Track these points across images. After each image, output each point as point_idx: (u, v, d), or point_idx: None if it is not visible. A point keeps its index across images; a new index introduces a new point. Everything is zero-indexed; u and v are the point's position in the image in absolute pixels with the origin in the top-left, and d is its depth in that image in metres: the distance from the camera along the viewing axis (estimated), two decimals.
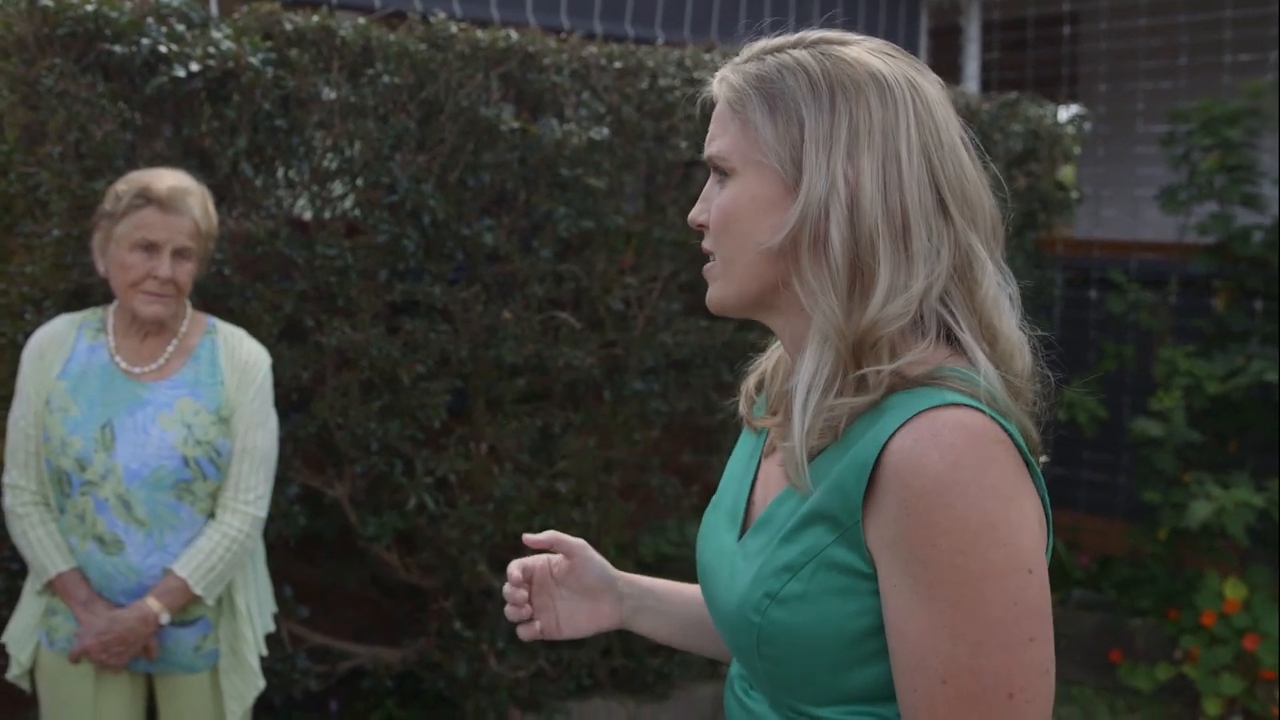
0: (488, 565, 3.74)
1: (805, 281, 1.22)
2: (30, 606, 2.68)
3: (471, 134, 3.49)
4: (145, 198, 2.57)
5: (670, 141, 3.87)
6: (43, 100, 2.97)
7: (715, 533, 1.42)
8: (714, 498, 1.47)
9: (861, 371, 1.19)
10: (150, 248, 2.57)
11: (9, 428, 2.67)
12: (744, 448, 1.47)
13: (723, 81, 1.31)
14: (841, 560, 1.18)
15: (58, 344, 2.66)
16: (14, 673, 2.70)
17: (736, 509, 1.39)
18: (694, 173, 3.98)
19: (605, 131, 3.66)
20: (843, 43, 1.28)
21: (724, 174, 1.29)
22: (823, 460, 1.21)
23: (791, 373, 1.30)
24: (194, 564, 2.58)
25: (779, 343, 1.40)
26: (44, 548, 2.61)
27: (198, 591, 2.57)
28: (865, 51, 1.26)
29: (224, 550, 2.61)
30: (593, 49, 3.76)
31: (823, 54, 1.25)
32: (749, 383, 1.46)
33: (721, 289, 1.31)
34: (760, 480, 1.38)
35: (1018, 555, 1.11)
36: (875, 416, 1.18)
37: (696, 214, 1.34)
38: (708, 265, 1.34)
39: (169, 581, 2.57)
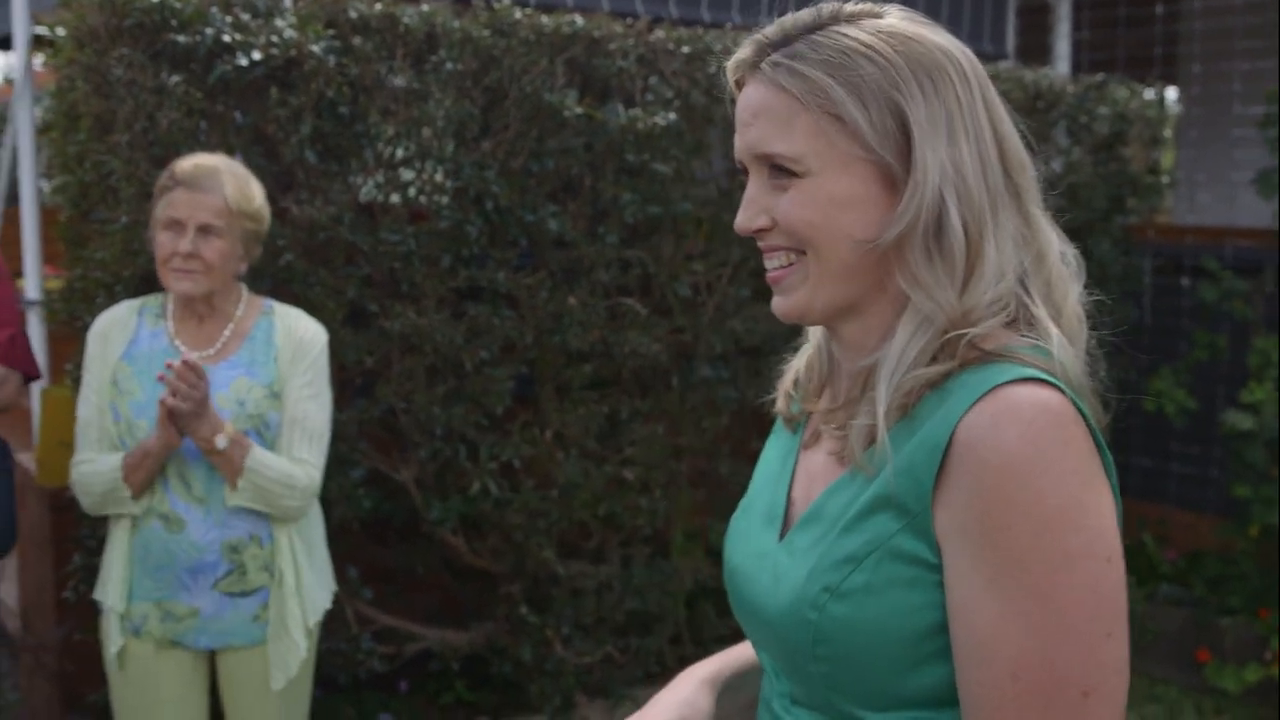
0: (553, 551, 3.75)
1: (914, 274, 1.16)
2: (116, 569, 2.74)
3: (536, 120, 3.49)
4: (173, 178, 2.64)
5: None
6: (113, 90, 3.04)
7: (748, 536, 1.34)
8: (743, 501, 1.40)
9: (943, 338, 1.15)
10: (175, 225, 2.63)
11: (79, 405, 2.74)
12: (775, 449, 1.40)
13: (777, 69, 1.19)
14: (908, 549, 1.12)
15: (120, 327, 2.75)
16: (110, 651, 2.76)
17: (774, 509, 1.32)
18: None
19: (673, 117, 3.64)
20: (879, 15, 1.22)
21: (790, 174, 1.18)
22: (888, 442, 1.15)
23: (841, 359, 1.28)
24: (261, 459, 2.61)
25: (809, 342, 1.37)
26: (103, 463, 2.66)
27: (238, 479, 2.59)
28: (919, 26, 1.20)
29: (283, 476, 2.63)
30: (660, 34, 3.73)
31: (880, 33, 1.18)
32: (785, 381, 1.40)
33: (810, 295, 1.21)
34: (800, 477, 1.32)
35: (1096, 541, 1.06)
36: (944, 395, 1.13)
37: (750, 220, 1.23)
38: (779, 272, 1.23)
39: (243, 440, 2.60)
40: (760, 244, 1.24)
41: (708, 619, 4.14)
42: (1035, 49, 5.74)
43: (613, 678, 3.97)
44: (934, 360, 1.14)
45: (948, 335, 1.14)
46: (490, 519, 3.67)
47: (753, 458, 4.20)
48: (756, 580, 1.27)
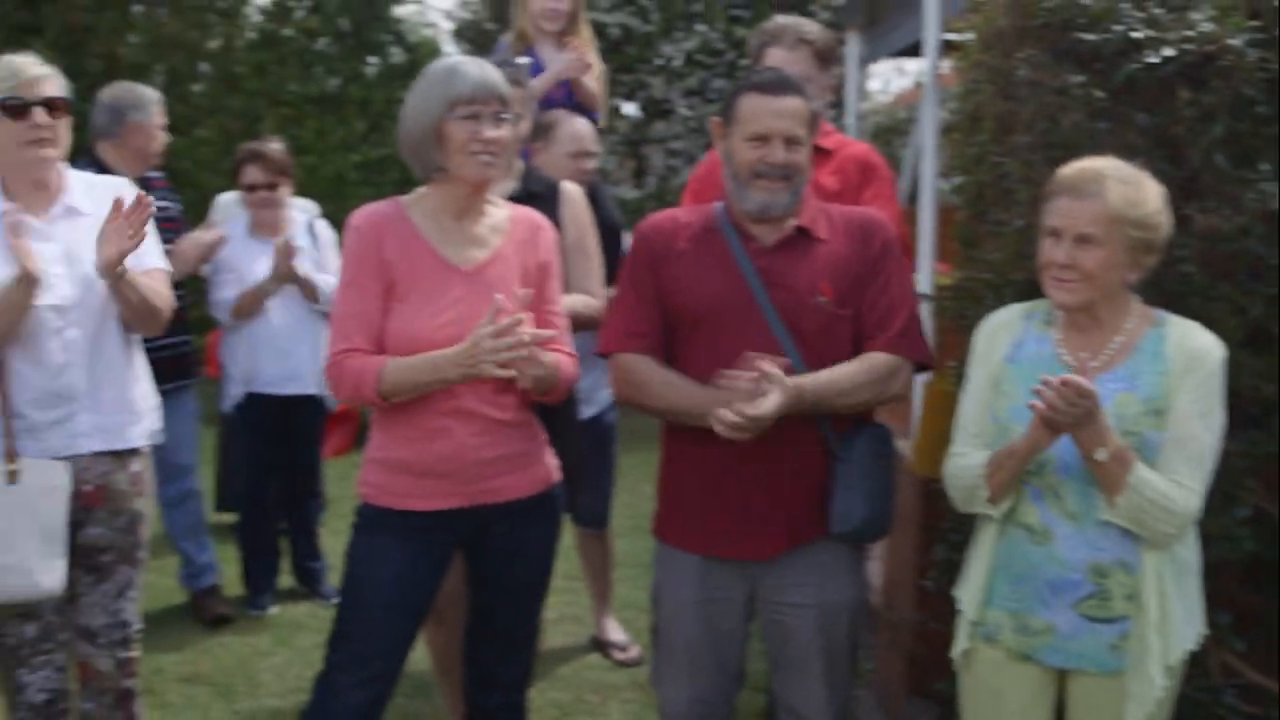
0: None
1: None
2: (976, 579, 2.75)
3: None
4: (1057, 184, 2.59)
5: None
6: (1016, 91, 3.04)
7: None
8: None
9: None
10: (1054, 233, 2.57)
11: (964, 400, 2.79)
12: None
13: None
14: None
15: (1007, 329, 2.76)
16: (957, 649, 2.80)
17: None
18: None
19: None
20: None
21: None
22: None
23: None
24: (1143, 476, 2.47)
25: None
26: (971, 459, 2.68)
27: (1117, 495, 2.47)
28: None
29: (1161, 498, 2.47)
30: None
31: None
32: None
33: None
34: None
35: None
36: None
37: None
38: None
39: (1126, 454, 2.47)
40: None
41: None
42: None
43: None
44: None
45: None
46: None
47: None
48: None
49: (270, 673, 4.72)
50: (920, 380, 3.88)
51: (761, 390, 2.67)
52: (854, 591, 3.00)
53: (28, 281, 3.00)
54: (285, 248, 5.03)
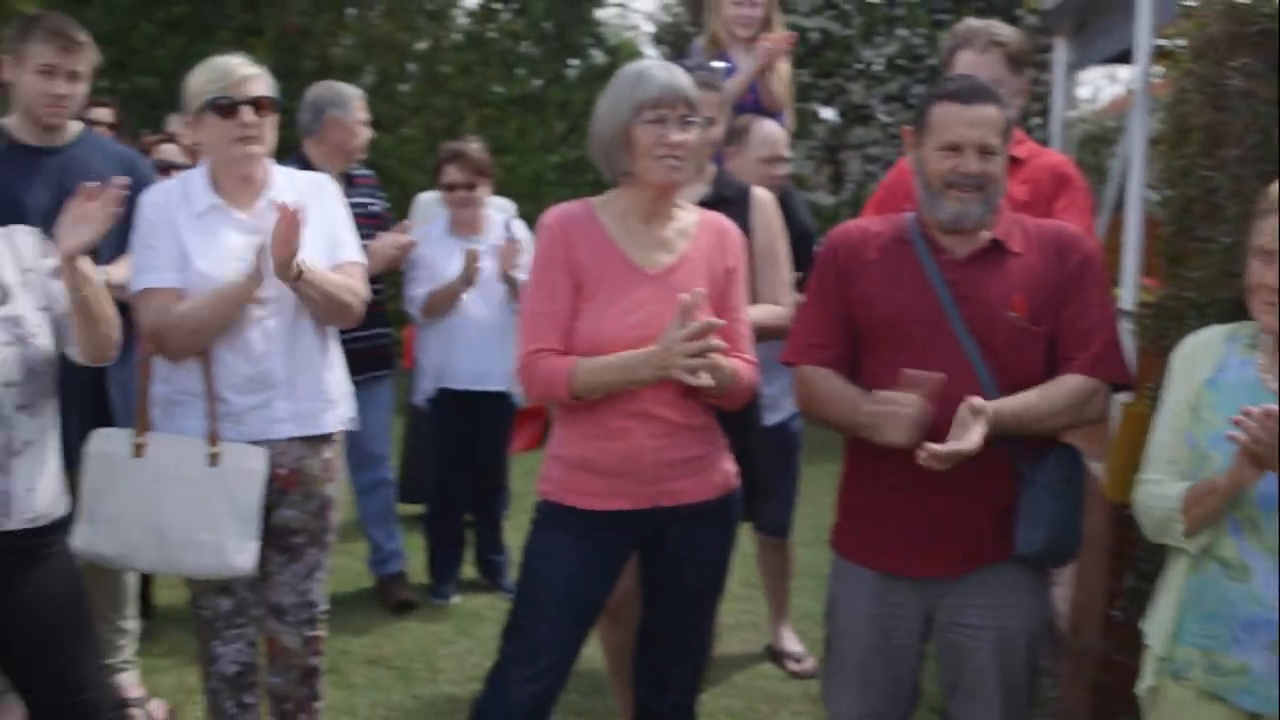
0: None
1: None
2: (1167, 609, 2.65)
3: None
4: (1269, 203, 2.46)
5: None
6: (1228, 101, 2.91)
7: None
8: None
9: None
10: (1265, 255, 2.44)
11: (1158, 425, 2.68)
12: None
13: None
14: None
15: (1208, 351, 2.63)
16: (1143, 684, 2.70)
17: None
18: None
19: None
20: None
21: None
22: None
23: None
24: None
25: None
26: (1166, 488, 2.56)
27: None
28: None
29: None
30: None
31: None
32: None
33: None
34: None
35: None
36: None
37: None
38: None
39: None
40: None
41: None
42: None
43: None
44: None
45: None
46: None
47: None
48: None
49: (450, 660, 4.83)
50: (1118, 401, 3.74)
51: (963, 422, 2.61)
52: (1035, 616, 2.91)
53: (256, 278, 3.14)
54: (474, 255, 5.11)
